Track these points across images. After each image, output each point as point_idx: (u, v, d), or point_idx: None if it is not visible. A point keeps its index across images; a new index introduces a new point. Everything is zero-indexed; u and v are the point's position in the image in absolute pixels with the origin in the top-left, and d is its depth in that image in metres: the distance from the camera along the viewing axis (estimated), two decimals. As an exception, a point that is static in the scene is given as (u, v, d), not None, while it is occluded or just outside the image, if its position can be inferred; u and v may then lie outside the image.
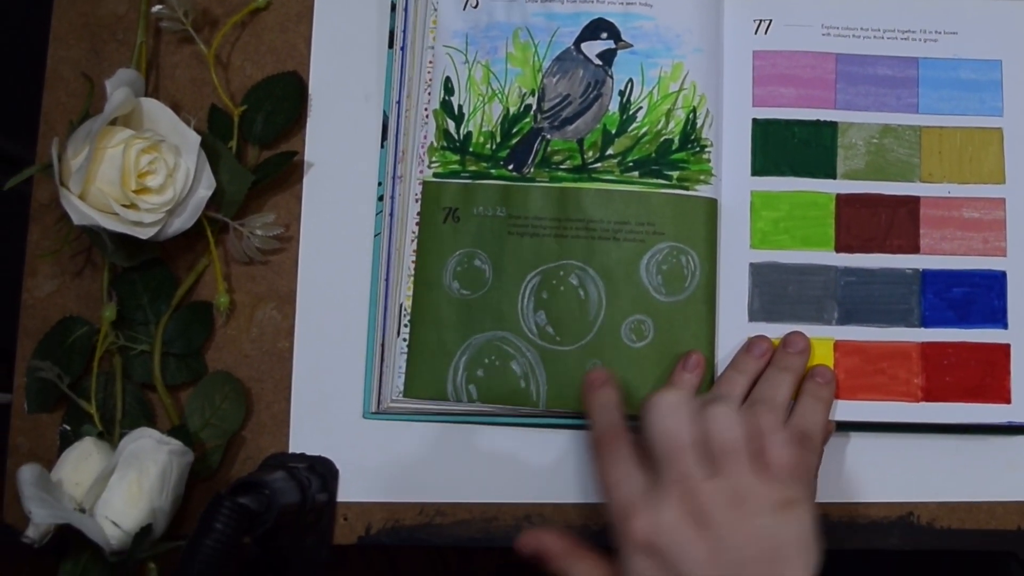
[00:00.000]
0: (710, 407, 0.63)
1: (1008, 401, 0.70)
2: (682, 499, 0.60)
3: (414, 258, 0.73)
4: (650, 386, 0.70)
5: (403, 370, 0.72)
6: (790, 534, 0.60)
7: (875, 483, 0.72)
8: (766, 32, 0.74)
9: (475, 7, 0.74)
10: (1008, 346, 0.70)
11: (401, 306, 0.73)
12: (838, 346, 0.71)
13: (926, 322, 0.71)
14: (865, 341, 0.71)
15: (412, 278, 0.73)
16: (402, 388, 0.72)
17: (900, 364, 0.71)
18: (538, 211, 0.72)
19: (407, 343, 0.72)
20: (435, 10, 0.75)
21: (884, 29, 0.74)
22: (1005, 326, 0.71)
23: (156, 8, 0.75)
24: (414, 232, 0.73)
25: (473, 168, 0.73)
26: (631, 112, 0.72)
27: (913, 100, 0.74)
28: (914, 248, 0.72)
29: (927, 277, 0.71)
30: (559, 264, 0.71)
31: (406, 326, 0.72)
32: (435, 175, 0.73)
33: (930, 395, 0.70)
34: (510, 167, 0.73)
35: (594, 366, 0.70)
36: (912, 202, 0.72)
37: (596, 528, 0.71)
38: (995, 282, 0.71)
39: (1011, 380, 0.70)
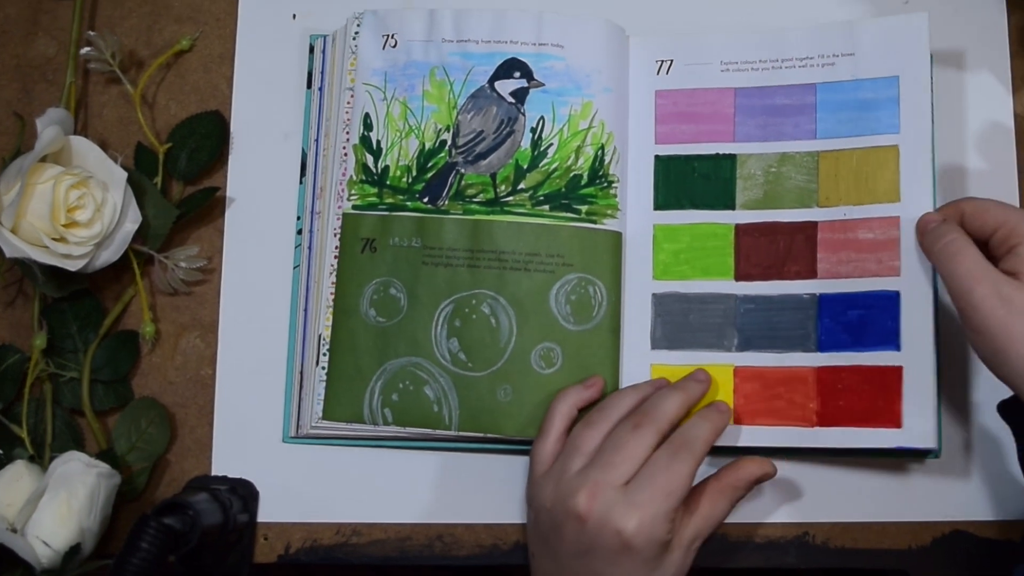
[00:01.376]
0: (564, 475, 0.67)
1: (899, 426, 0.70)
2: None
3: (332, 289, 0.75)
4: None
5: (322, 396, 0.74)
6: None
7: (773, 504, 0.74)
8: (667, 72, 0.76)
9: (394, 47, 0.77)
10: (900, 368, 0.71)
11: (320, 336, 0.75)
12: (737, 372, 0.73)
13: (822, 346, 0.72)
14: (764, 367, 0.73)
15: (331, 308, 0.75)
16: (320, 412, 0.74)
17: (797, 388, 0.72)
18: (452, 242, 0.74)
19: (326, 370, 0.74)
20: (353, 53, 0.77)
21: (782, 59, 0.76)
22: (898, 348, 0.71)
23: (85, 50, 0.77)
24: (332, 265, 0.75)
25: (390, 200, 0.75)
26: (542, 148, 0.75)
27: (811, 126, 0.75)
28: (811, 273, 0.73)
29: (823, 301, 0.73)
30: (472, 293, 0.73)
31: (325, 355, 0.74)
32: (354, 207, 0.75)
33: (824, 420, 0.71)
34: (425, 200, 0.75)
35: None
36: (810, 227, 0.74)
37: (506, 547, 0.74)
38: (889, 303, 0.72)
39: (902, 404, 0.70)
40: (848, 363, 0.72)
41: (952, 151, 0.77)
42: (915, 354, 0.71)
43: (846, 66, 0.75)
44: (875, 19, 0.76)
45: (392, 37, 0.77)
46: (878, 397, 0.71)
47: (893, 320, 0.71)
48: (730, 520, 0.71)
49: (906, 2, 0.79)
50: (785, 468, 0.74)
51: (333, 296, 0.75)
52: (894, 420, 0.70)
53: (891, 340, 0.71)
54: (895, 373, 0.71)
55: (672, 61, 0.76)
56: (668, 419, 0.68)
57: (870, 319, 0.72)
